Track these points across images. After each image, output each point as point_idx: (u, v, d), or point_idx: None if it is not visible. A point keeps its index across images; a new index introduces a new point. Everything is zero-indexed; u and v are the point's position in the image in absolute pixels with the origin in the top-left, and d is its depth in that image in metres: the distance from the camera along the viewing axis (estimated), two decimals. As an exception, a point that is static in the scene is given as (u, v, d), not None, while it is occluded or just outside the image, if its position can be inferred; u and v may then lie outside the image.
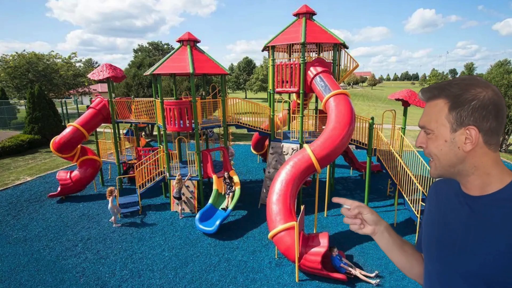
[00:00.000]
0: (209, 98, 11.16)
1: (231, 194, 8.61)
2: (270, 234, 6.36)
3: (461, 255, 1.11)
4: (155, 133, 21.93)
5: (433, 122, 1.12)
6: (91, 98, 17.63)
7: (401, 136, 8.85)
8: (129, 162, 11.48)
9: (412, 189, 7.46)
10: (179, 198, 8.74)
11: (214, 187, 8.93)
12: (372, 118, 8.87)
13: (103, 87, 41.75)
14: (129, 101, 10.61)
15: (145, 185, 9.35)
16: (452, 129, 1.07)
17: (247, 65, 59.67)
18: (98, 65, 40.86)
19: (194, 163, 9.41)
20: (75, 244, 7.48)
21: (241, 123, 9.82)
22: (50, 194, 10.29)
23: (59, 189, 10.14)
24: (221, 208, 8.53)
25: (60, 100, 26.34)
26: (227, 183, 8.81)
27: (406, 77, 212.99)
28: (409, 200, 7.48)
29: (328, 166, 9.25)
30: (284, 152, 9.20)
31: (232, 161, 10.85)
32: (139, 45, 41.08)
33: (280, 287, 5.87)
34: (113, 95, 10.81)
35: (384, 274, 6.19)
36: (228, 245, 7.39)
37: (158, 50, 39.24)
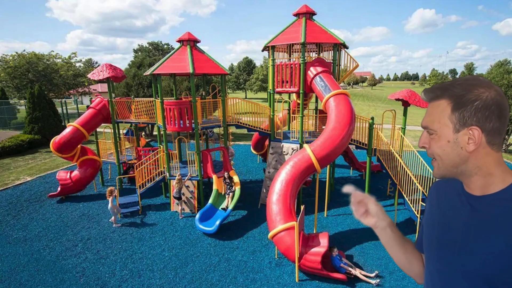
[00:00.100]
0: (209, 98, 11.16)
1: (231, 194, 8.61)
2: (270, 234, 6.36)
3: (462, 254, 1.11)
4: (155, 133, 21.93)
5: (436, 123, 1.12)
6: (91, 98, 17.64)
7: (401, 136, 8.85)
8: (129, 162, 11.48)
9: (412, 189, 7.46)
10: (179, 198, 8.74)
11: (214, 187, 8.93)
12: (372, 118, 8.87)
13: (103, 87, 41.75)
14: (129, 101, 10.61)
15: (145, 185, 9.35)
16: (455, 130, 1.08)
17: (247, 65, 59.67)
18: (98, 65, 40.85)
19: (194, 163, 9.41)
20: (75, 244, 7.48)
21: (241, 123, 9.82)
22: (50, 194, 10.29)
23: (59, 189, 10.14)
24: (221, 208, 8.53)
25: (60, 100, 26.34)
26: (227, 183, 8.81)
27: (406, 77, 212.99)
28: (409, 200, 7.48)
29: (328, 166, 9.24)
30: (284, 152, 9.20)
31: (232, 161, 10.85)
32: (139, 45, 41.11)
33: (280, 287, 5.87)
34: (113, 95, 10.81)
35: (384, 274, 6.19)
36: (228, 245, 7.39)
37: (158, 50, 39.24)
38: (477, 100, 1.03)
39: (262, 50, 9.76)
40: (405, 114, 9.35)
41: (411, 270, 1.45)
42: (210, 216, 8.21)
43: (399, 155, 8.47)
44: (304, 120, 9.01)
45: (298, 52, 10.36)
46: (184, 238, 7.69)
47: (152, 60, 23.15)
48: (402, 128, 9.19)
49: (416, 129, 23.42)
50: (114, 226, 8.35)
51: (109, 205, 8.24)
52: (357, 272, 6.07)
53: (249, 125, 9.86)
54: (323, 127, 8.14)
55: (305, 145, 7.46)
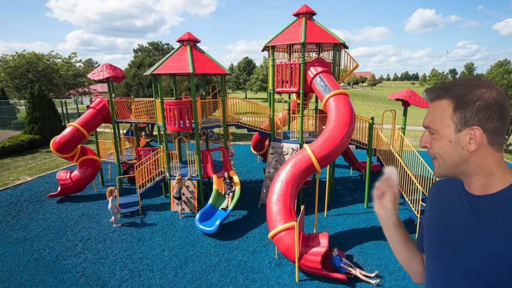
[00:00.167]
0: (209, 98, 11.16)
1: (231, 194, 8.61)
2: (270, 234, 6.36)
3: (462, 254, 1.11)
4: (155, 133, 21.93)
5: (437, 123, 1.12)
6: (91, 98, 17.64)
7: (401, 136, 8.85)
8: (129, 162, 11.48)
9: (412, 189, 7.46)
10: (179, 198, 8.74)
11: (214, 187, 8.93)
12: (372, 118, 8.87)
13: (103, 87, 41.75)
14: (129, 101, 10.61)
15: (145, 185, 9.35)
16: (457, 130, 1.08)
17: (247, 65, 59.67)
18: (98, 65, 40.85)
19: (194, 163, 9.41)
20: (75, 244, 7.48)
21: (241, 123, 9.82)
22: (50, 194, 10.29)
23: (59, 189, 10.14)
24: (221, 208, 8.53)
25: (60, 100, 26.33)
26: (227, 183, 8.81)
27: (406, 77, 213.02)
28: (409, 200, 7.48)
29: (328, 166, 9.24)
30: (284, 152, 9.20)
31: (232, 161, 10.85)
32: (139, 45, 41.09)
33: (280, 287, 5.87)
34: (113, 95, 10.81)
35: (384, 274, 6.19)
36: (228, 245, 7.39)
37: (158, 50, 39.23)
38: (479, 100, 1.03)
39: (262, 50, 9.76)
40: (405, 114, 9.34)
41: (411, 269, 1.46)
42: (210, 216, 8.21)
43: (399, 155, 8.47)
44: (304, 120, 9.01)
45: (298, 52, 10.36)
46: (184, 238, 7.69)
47: (152, 60, 23.15)
48: (402, 128, 9.19)
49: (416, 129, 23.42)
50: (114, 226, 8.35)
51: (109, 205, 8.24)
52: (357, 272, 6.07)
53: (249, 125, 9.86)
54: (323, 127, 8.14)
55: (305, 145, 7.46)
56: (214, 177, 9.16)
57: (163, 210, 9.37)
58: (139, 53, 38.35)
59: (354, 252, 7.01)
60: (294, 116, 10.91)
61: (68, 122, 19.45)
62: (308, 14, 9.01)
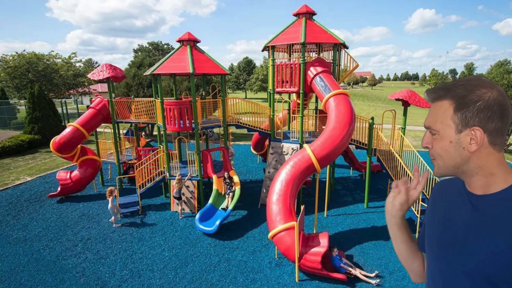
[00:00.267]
0: (209, 98, 11.16)
1: (231, 194, 8.61)
2: (270, 234, 6.36)
3: (462, 253, 1.12)
4: (155, 133, 21.94)
5: (438, 123, 1.12)
6: (91, 98, 17.64)
7: (401, 136, 8.86)
8: (129, 162, 11.48)
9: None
10: (179, 198, 8.74)
11: (214, 187, 8.93)
12: (372, 118, 8.87)
13: (103, 87, 41.74)
14: (129, 101, 10.61)
15: (145, 185, 9.35)
16: (457, 130, 1.08)
17: (247, 65, 59.67)
18: (98, 65, 40.86)
19: (194, 163, 9.41)
20: (75, 244, 7.48)
21: (241, 123, 9.82)
22: (50, 194, 10.30)
23: (59, 189, 10.14)
24: (221, 208, 8.53)
25: (60, 100, 26.34)
26: (227, 183, 8.81)
27: (406, 77, 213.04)
28: (409, 200, 7.46)
29: (328, 166, 9.25)
30: (284, 152, 9.20)
31: (232, 161, 10.85)
32: (139, 45, 41.07)
33: (280, 287, 5.87)
34: (113, 95, 10.81)
35: (384, 274, 6.19)
36: (228, 245, 7.39)
37: (158, 50, 39.22)
38: (479, 101, 1.03)
39: (262, 50, 9.76)
40: (405, 114, 9.35)
41: (411, 269, 1.47)
42: (210, 216, 8.21)
43: (399, 155, 8.47)
44: (304, 120, 9.01)
45: (298, 52, 10.36)
46: (184, 238, 7.69)
47: (152, 60, 23.15)
48: (402, 128, 9.20)
49: (416, 129, 23.41)
50: (114, 226, 8.35)
51: (109, 205, 8.24)
52: (357, 272, 6.07)
53: (249, 125, 9.86)
54: (323, 127, 8.14)
55: (305, 145, 7.46)
56: (214, 177, 9.16)
57: (163, 210, 9.37)
58: (139, 53, 38.34)
59: (354, 252, 7.01)
60: (294, 116, 10.92)
61: (68, 122, 19.46)
62: (308, 14, 9.01)
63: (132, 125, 12.12)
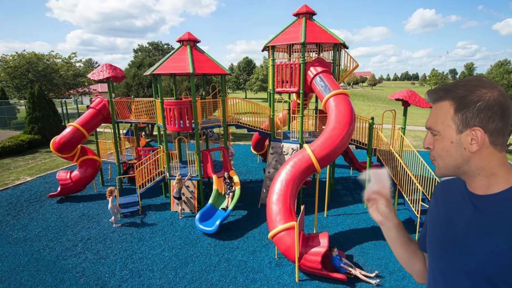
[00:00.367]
0: (209, 98, 11.16)
1: (231, 194, 8.61)
2: (270, 234, 6.36)
3: (463, 253, 1.12)
4: (155, 133, 21.93)
5: (439, 124, 1.12)
6: (91, 98, 17.64)
7: (401, 136, 8.85)
8: (129, 162, 11.48)
9: (412, 189, 7.46)
10: (179, 198, 8.74)
11: (214, 187, 8.93)
12: (372, 118, 8.87)
13: (103, 87, 41.75)
14: (129, 101, 10.61)
15: (145, 185, 9.35)
16: (458, 131, 1.08)
17: (247, 65, 59.65)
18: (98, 65, 40.81)
19: (194, 163, 9.41)
20: (75, 244, 7.48)
21: (241, 123, 9.82)
22: (50, 194, 10.30)
23: (59, 189, 10.14)
24: (221, 208, 8.53)
25: (60, 100, 26.33)
26: (227, 183, 8.81)
27: (406, 77, 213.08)
28: (409, 200, 7.48)
29: (328, 166, 9.25)
30: (284, 152, 9.20)
31: (232, 161, 10.85)
32: (139, 45, 41.06)
33: (280, 287, 5.87)
34: (113, 95, 10.81)
35: (384, 274, 6.19)
36: (228, 245, 7.39)
37: (158, 50, 39.21)
38: (480, 101, 1.03)
39: (262, 50, 9.76)
40: (405, 114, 9.34)
41: (413, 270, 1.47)
42: (210, 216, 8.21)
43: (399, 155, 8.47)
44: (304, 120, 9.01)
45: (298, 52, 10.36)
46: (184, 238, 7.69)
47: (152, 60, 23.15)
48: (402, 128, 9.19)
49: (416, 129, 23.40)
50: (114, 226, 8.35)
51: (109, 205, 8.24)
52: (357, 272, 6.07)
53: (249, 125, 9.86)
54: (323, 127, 8.14)
55: (305, 145, 7.46)
56: (214, 177, 9.16)
57: (163, 210, 9.37)
58: (139, 53, 38.34)
59: (354, 252, 7.01)
60: (294, 116, 10.92)
61: (68, 122, 19.45)
62: (308, 14, 9.02)
63: (132, 125, 12.12)
